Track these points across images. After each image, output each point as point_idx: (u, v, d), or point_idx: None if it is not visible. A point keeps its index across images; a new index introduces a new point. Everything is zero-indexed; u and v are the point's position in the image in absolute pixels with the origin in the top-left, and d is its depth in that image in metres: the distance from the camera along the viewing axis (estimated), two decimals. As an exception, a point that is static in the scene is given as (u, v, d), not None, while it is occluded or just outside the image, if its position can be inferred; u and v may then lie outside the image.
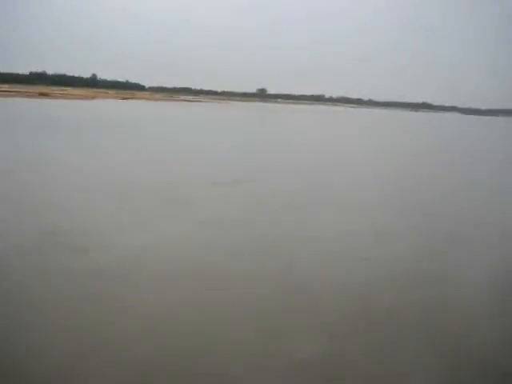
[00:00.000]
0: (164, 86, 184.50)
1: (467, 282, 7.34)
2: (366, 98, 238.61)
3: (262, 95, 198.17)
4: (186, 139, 26.75)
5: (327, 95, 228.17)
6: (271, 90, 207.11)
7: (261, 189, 13.72)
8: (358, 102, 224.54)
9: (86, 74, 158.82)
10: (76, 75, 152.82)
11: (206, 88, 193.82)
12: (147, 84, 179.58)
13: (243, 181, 14.56)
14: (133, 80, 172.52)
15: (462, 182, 18.00)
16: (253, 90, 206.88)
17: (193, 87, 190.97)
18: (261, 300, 6.16)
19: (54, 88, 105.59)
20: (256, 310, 5.88)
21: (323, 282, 6.91)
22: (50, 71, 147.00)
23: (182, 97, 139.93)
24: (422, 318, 5.93)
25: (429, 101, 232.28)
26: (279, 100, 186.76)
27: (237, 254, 7.93)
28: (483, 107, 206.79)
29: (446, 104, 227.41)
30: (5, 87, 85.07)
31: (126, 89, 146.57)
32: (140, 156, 18.69)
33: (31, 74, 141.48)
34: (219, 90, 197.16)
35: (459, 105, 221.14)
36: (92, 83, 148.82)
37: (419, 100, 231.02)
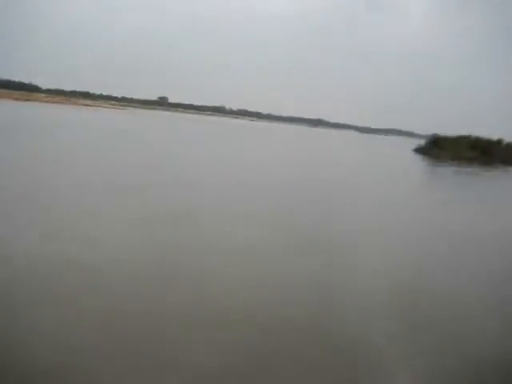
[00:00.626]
0: (62, 88, 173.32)
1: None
2: (265, 112, 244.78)
3: (163, 103, 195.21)
4: (79, 144, 25.54)
5: (227, 107, 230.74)
6: (173, 99, 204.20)
7: (157, 196, 13.28)
8: (258, 116, 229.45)
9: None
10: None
11: (105, 93, 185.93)
12: (43, 85, 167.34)
13: (140, 187, 14.26)
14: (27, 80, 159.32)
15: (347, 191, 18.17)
16: (154, 97, 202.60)
17: (92, 92, 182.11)
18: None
19: None
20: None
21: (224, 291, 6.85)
22: None
23: (81, 101, 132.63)
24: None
25: (325, 118, 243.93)
26: (180, 109, 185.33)
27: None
28: (374, 126, 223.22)
29: (342, 122, 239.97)
30: None
31: (20, 89, 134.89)
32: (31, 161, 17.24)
33: None
34: (119, 95, 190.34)
35: (354, 123, 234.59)
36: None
37: (316, 116, 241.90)
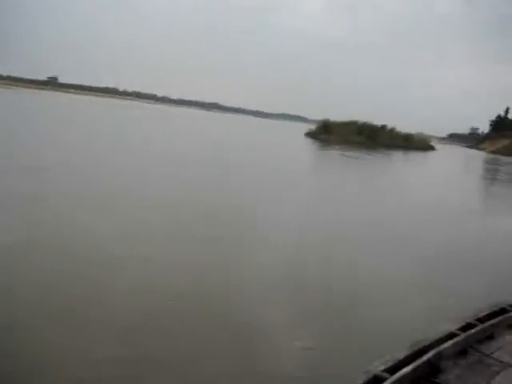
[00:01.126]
0: None
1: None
2: (160, 95, 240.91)
3: (53, 83, 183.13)
4: None
5: (121, 89, 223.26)
6: (63, 80, 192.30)
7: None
8: (153, 98, 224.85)
9: None
10: None
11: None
12: None
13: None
14: None
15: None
16: (43, 77, 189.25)
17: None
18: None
19: None
20: None
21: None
22: None
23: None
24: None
25: (220, 102, 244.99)
26: (72, 90, 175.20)
27: None
28: (269, 111, 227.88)
29: (236, 106, 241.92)
30: None
31: None
32: None
33: None
34: (4, 73, 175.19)
35: (248, 107, 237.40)
36: None
37: (211, 100, 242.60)
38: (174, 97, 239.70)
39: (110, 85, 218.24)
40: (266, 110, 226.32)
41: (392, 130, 58.71)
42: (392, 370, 2.58)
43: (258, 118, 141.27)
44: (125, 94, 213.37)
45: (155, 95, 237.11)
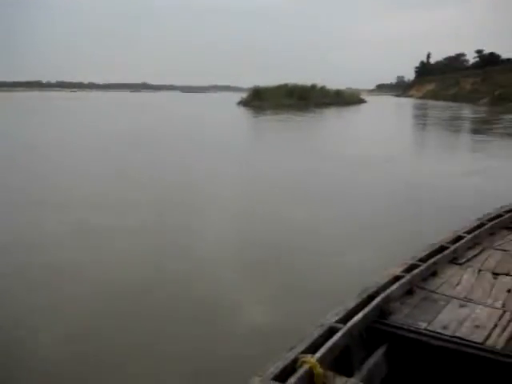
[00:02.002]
0: None
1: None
2: (86, 81, 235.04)
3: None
4: None
5: (45, 81, 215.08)
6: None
7: None
8: (80, 86, 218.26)
9: None
10: None
11: None
12: None
13: None
14: None
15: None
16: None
17: None
18: None
19: None
20: None
21: None
22: None
23: None
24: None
25: (148, 81, 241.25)
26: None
27: None
28: (199, 84, 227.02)
29: (165, 83, 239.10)
30: None
31: None
32: None
33: None
34: None
35: (177, 83, 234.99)
36: None
37: (139, 81, 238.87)
38: (101, 82, 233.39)
39: (32, 78, 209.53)
40: (195, 84, 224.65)
41: (322, 88, 59.49)
42: (345, 319, 2.63)
43: (188, 94, 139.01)
44: (49, 86, 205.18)
45: (81, 83, 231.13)
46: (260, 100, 52.02)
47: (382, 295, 2.95)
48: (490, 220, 4.67)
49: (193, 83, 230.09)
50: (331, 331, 2.53)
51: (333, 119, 37.61)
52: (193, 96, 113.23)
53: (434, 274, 3.56)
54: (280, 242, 6.92)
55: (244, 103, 53.68)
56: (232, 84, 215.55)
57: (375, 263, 5.25)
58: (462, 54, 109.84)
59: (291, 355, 2.29)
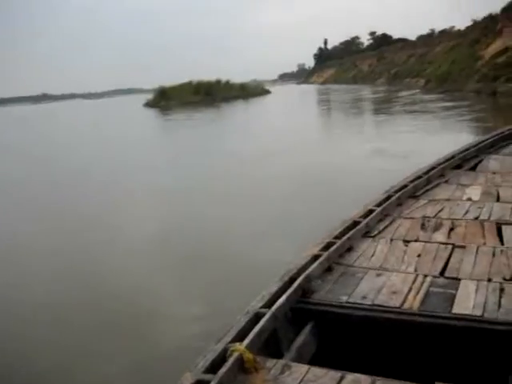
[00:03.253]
0: None
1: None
2: None
3: None
4: None
5: None
6: None
7: None
8: None
9: None
10: None
11: None
12: None
13: None
14: None
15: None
16: None
17: None
18: None
19: None
20: None
21: None
22: None
23: None
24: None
25: (49, 91, 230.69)
26: None
27: None
28: (99, 91, 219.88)
29: (66, 92, 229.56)
30: None
31: None
32: None
33: None
34: None
35: (78, 91, 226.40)
36: None
37: (39, 92, 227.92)
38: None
39: None
40: (97, 90, 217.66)
41: (227, 83, 59.74)
42: (269, 304, 2.68)
43: (90, 100, 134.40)
44: None
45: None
46: (166, 100, 51.42)
47: (303, 276, 3.02)
48: (397, 191, 4.84)
49: (95, 89, 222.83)
50: (257, 317, 2.56)
51: (236, 112, 37.97)
52: (96, 102, 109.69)
53: (350, 249, 3.68)
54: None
55: (150, 104, 52.77)
56: (134, 86, 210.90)
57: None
58: (357, 37, 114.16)
59: (220, 346, 2.30)
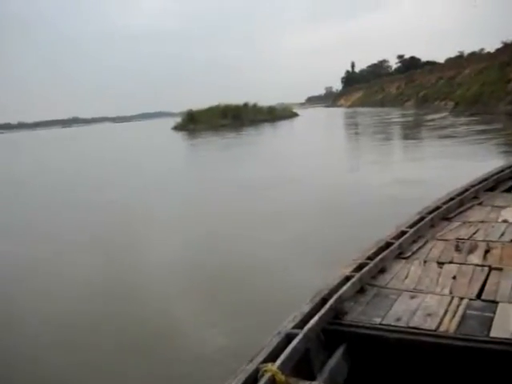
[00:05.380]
0: None
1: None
2: (15, 122, 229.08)
3: None
4: None
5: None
6: None
7: None
8: (7, 127, 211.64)
9: None
10: None
11: None
12: None
13: None
14: None
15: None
16: None
17: None
18: None
19: None
20: None
21: None
22: None
23: None
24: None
25: (79, 115, 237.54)
26: None
27: None
28: (129, 114, 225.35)
29: (97, 116, 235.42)
30: None
31: None
32: None
33: None
34: None
35: (109, 115, 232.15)
36: None
37: (70, 116, 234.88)
38: (30, 120, 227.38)
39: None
40: (127, 114, 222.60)
41: (255, 106, 60.08)
42: (301, 324, 2.64)
43: (120, 124, 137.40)
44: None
45: (8, 123, 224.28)
46: (195, 123, 51.98)
47: (335, 296, 2.97)
48: (430, 213, 4.80)
49: (124, 113, 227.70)
50: (289, 337, 2.52)
51: (264, 136, 37.96)
52: (125, 126, 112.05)
53: (383, 270, 3.63)
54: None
55: (179, 128, 53.46)
56: (164, 110, 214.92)
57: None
58: (385, 61, 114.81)
59: (252, 366, 2.27)
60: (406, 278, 3.52)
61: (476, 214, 5.03)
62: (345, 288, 3.13)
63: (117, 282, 6.72)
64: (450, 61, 71.48)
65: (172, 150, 30.48)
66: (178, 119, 57.07)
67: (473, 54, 65.70)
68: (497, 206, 5.19)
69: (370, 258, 3.66)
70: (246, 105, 58.72)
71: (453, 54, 76.81)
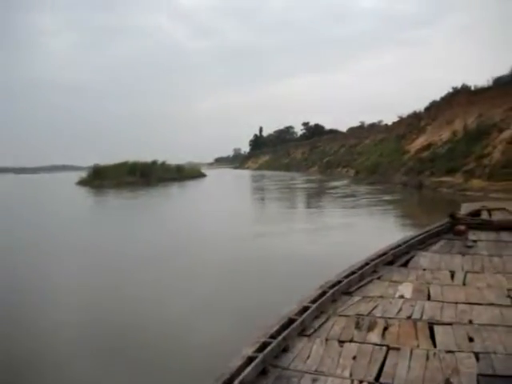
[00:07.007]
0: None
1: None
2: None
3: None
4: None
5: None
6: None
7: None
8: None
9: None
10: None
11: None
12: None
13: None
14: None
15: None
16: None
17: None
18: None
19: None
20: None
21: None
22: None
23: None
24: None
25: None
26: None
27: None
28: (34, 165, 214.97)
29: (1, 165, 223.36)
30: None
31: None
32: None
33: None
34: None
35: (10, 165, 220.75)
36: None
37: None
38: None
39: None
40: (31, 165, 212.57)
41: (163, 164, 60.38)
42: None
43: (22, 175, 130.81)
44: None
45: None
46: (101, 179, 51.16)
47: (236, 382, 2.95)
48: (331, 287, 4.89)
49: (28, 164, 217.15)
50: None
51: (168, 196, 37.66)
52: (28, 177, 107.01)
53: (286, 349, 3.60)
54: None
55: (84, 183, 52.24)
56: (70, 163, 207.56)
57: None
58: (291, 127, 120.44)
59: None
60: (308, 357, 3.55)
61: (375, 288, 5.19)
62: (247, 371, 3.11)
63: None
64: (351, 130, 76.45)
65: (73, 206, 29.50)
66: (84, 174, 55.87)
67: (373, 126, 70.46)
68: (394, 281, 5.42)
69: (273, 337, 3.65)
70: (154, 162, 58.81)
71: (355, 123, 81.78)
